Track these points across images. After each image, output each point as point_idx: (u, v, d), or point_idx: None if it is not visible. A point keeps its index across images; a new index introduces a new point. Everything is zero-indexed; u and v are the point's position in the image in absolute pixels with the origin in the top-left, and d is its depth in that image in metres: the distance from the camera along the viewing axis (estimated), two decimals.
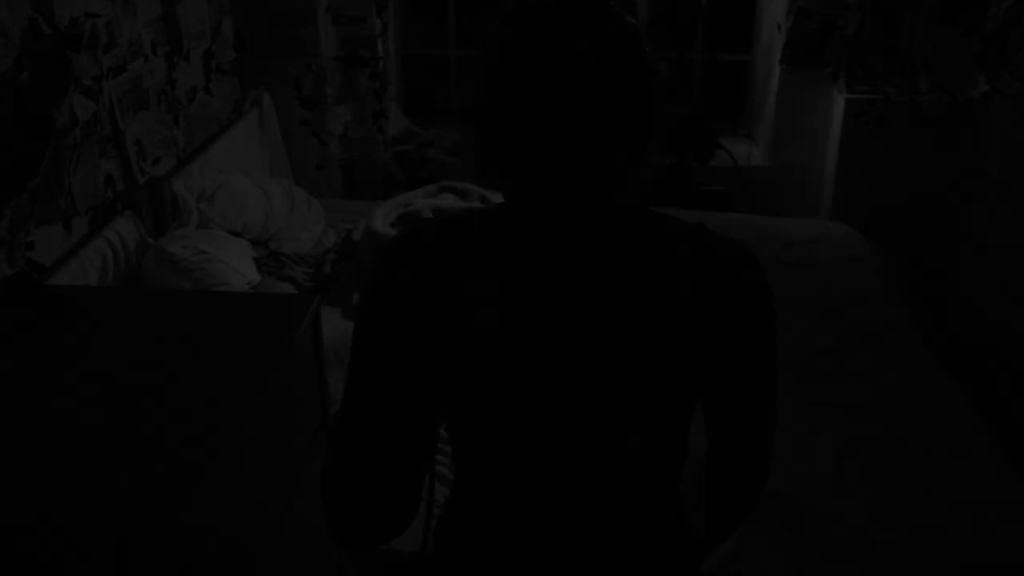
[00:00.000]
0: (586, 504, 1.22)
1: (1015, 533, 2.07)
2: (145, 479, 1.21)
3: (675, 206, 1.05)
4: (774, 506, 2.07)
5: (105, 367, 1.46)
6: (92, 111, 2.55)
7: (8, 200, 2.20)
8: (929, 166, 3.65)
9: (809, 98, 3.89)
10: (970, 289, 3.53)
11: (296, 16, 3.68)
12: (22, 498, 1.18)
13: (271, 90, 3.72)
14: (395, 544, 1.99)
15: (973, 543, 2.03)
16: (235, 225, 3.06)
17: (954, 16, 3.51)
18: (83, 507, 1.16)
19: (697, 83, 4.26)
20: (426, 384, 1.14)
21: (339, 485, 1.15)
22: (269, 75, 3.73)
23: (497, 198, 1.16)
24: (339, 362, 2.43)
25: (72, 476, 1.22)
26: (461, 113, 1.19)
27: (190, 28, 3.16)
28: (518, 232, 1.12)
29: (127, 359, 1.48)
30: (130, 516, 1.15)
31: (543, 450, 1.17)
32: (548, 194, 1.07)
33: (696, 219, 1.18)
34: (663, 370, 1.16)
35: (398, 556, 1.95)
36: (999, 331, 3.26)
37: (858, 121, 3.64)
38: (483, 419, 1.19)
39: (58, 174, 2.40)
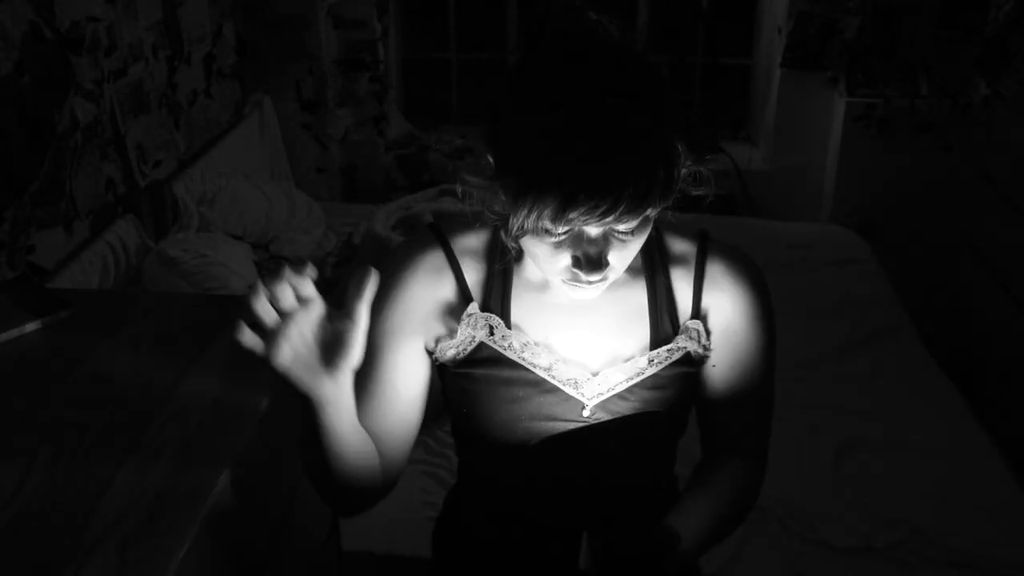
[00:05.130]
0: (582, 502, 1.23)
1: (1014, 534, 2.07)
2: (145, 481, 1.21)
3: (675, 209, 1.06)
4: (773, 508, 2.07)
5: (106, 369, 1.46)
6: (93, 114, 2.56)
7: (9, 203, 2.21)
8: (929, 169, 3.65)
9: (809, 101, 3.90)
10: (970, 291, 3.53)
11: (297, 20, 3.68)
12: (22, 501, 1.18)
13: (272, 93, 3.73)
14: (395, 548, 2.01)
15: (973, 545, 2.03)
16: (235, 228, 3.07)
17: (954, 19, 3.52)
18: (83, 510, 1.16)
19: (698, 86, 4.26)
20: (424, 372, 1.18)
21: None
22: (270, 78, 3.74)
23: None
24: None
25: (72, 479, 1.22)
26: (493, 176, 1.18)
27: (191, 31, 3.16)
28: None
29: (128, 362, 1.48)
30: (130, 518, 1.15)
31: (541, 449, 1.19)
32: None
33: (696, 222, 1.19)
34: (660, 372, 1.17)
35: (398, 560, 1.96)
36: (999, 333, 3.26)
37: (858, 124, 3.65)
38: (485, 423, 1.20)
39: (59, 177, 2.40)
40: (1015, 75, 3.33)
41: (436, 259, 1.17)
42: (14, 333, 1.51)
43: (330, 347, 0.97)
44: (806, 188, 4.00)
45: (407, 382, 1.17)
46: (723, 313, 1.18)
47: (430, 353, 1.19)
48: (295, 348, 0.96)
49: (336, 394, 0.99)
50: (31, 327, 1.53)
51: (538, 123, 0.97)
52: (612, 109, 0.96)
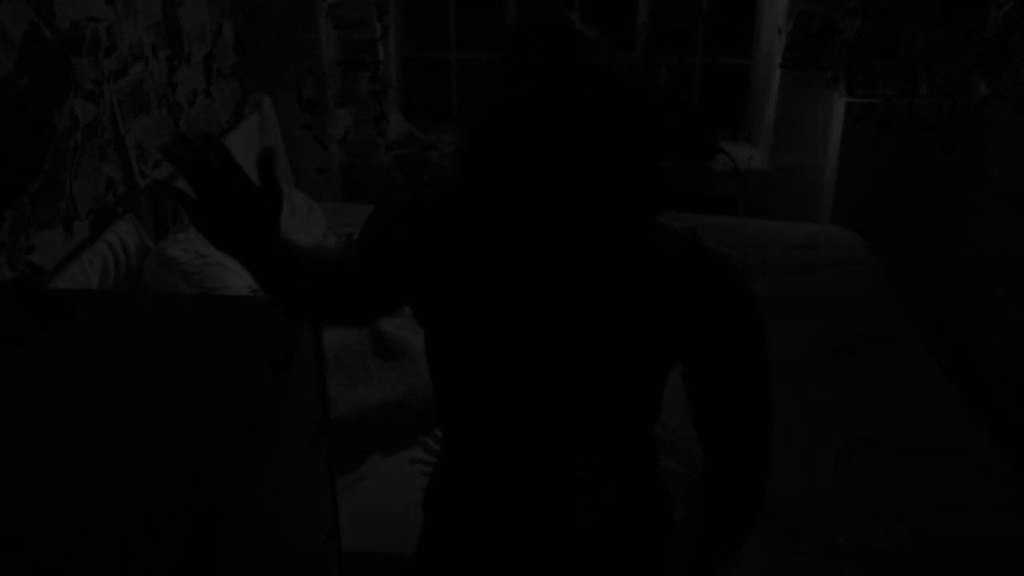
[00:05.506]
0: (563, 480, 1.25)
1: (1015, 534, 2.07)
2: (146, 480, 1.22)
3: (675, 210, 1.05)
4: (774, 508, 2.07)
5: (106, 370, 1.46)
6: (93, 114, 2.56)
7: (9, 203, 2.21)
8: (929, 169, 3.65)
9: (809, 102, 3.90)
10: (970, 292, 3.53)
11: (297, 19, 3.68)
12: (23, 501, 1.19)
13: (272, 93, 3.72)
14: (395, 548, 2.01)
15: (973, 545, 2.03)
16: None
17: (954, 19, 3.52)
18: (84, 509, 1.16)
19: (697, 87, 4.26)
20: (401, 297, 1.26)
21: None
22: (270, 78, 3.73)
23: None
24: (338, 365, 2.44)
25: (73, 479, 1.22)
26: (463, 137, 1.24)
27: (191, 31, 3.16)
28: (512, 224, 1.13)
29: (128, 362, 1.49)
30: (131, 517, 1.15)
31: (519, 424, 1.23)
32: (547, 215, 1.08)
33: (696, 223, 1.19)
34: (636, 364, 1.20)
35: (398, 560, 1.96)
36: (998, 333, 3.26)
37: (858, 124, 3.65)
38: (465, 391, 1.25)
39: (59, 177, 2.40)
40: (1015, 75, 3.32)
41: (428, 215, 1.21)
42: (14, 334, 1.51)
43: (243, 215, 1.13)
44: (806, 188, 4.00)
45: (373, 281, 1.23)
46: (708, 317, 1.18)
47: (404, 290, 1.24)
48: (210, 198, 1.13)
49: (242, 253, 1.14)
50: (31, 328, 1.53)
51: (514, 173, 1.03)
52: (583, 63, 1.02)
